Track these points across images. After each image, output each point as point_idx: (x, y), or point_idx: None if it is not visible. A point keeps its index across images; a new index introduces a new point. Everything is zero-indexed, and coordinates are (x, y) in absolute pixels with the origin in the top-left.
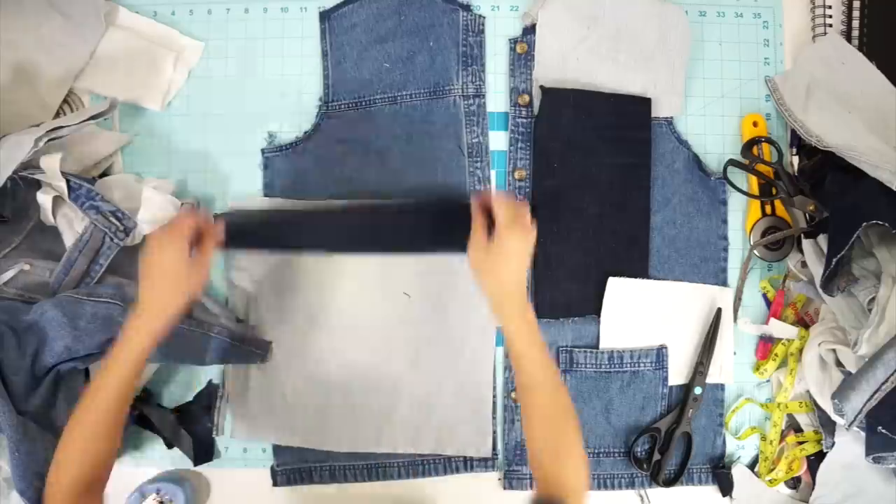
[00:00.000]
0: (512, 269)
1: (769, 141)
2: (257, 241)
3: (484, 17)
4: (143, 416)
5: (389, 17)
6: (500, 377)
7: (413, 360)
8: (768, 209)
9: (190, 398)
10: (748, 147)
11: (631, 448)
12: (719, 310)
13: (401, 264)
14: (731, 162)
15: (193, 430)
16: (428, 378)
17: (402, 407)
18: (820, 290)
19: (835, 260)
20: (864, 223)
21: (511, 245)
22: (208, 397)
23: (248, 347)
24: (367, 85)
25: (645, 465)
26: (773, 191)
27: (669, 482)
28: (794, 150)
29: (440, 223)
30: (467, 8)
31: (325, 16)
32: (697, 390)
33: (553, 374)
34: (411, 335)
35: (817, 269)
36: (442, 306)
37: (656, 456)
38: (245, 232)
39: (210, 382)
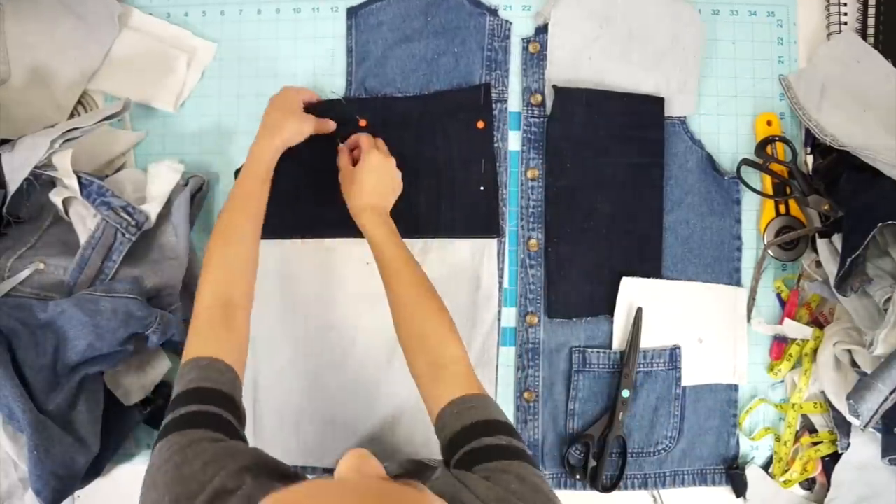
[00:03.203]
0: (371, 180)
1: (783, 140)
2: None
3: (511, 23)
4: (153, 416)
5: (416, 18)
6: (511, 378)
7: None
8: (782, 209)
9: None
10: (762, 146)
11: (565, 456)
12: (639, 309)
13: None
14: (745, 161)
15: None
16: None
17: (404, 423)
18: (834, 290)
19: (849, 260)
20: (880, 223)
21: (370, 162)
22: None
23: None
24: (389, 83)
25: (579, 474)
26: (788, 190)
27: (609, 487)
28: (809, 150)
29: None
30: (494, 12)
31: (352, 12)
32: (625, 393)
33: (413, 263)
34: None
35: (832, 269)
36: None
37: (592, 462)
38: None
39: None
